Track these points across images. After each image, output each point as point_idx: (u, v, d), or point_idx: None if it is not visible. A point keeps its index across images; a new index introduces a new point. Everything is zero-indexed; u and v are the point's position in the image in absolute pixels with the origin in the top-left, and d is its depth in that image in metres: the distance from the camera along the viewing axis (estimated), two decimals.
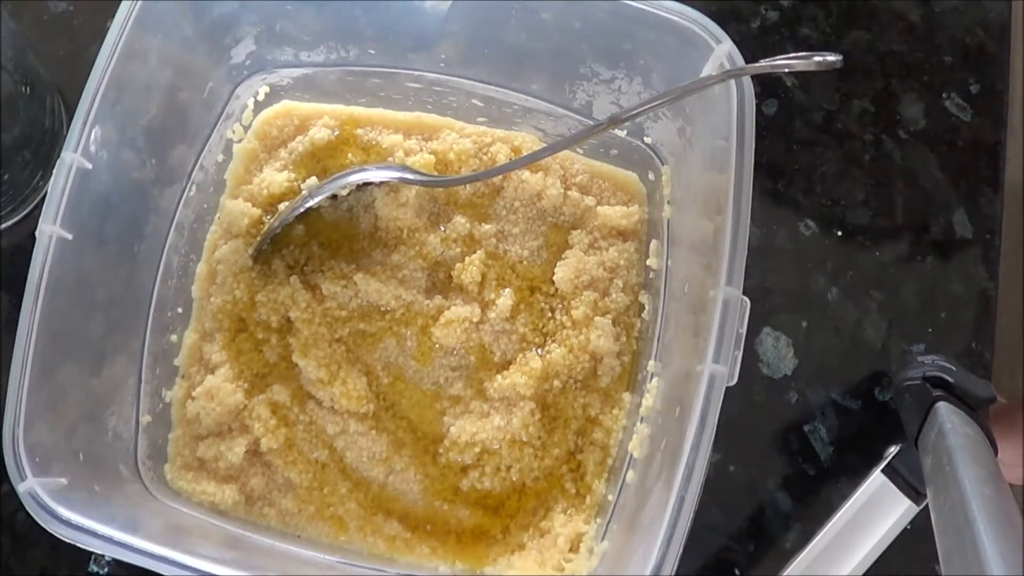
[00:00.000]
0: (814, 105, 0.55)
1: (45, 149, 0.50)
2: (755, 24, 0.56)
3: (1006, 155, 0.55)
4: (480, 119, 0.50)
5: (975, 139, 0.55)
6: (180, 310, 0.48)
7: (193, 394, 0.47)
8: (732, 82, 0.39)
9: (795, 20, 0.57)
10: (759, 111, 0.54)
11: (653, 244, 0.49)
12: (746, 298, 0.37)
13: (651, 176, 0.49)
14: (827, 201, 0.54)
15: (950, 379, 0.46)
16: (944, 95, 0.56)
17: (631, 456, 0.44)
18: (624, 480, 0.44)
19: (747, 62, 0.40)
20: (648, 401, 0.44)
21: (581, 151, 0.50)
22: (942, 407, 0.45)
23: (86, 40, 0.54)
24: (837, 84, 0.56)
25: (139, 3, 0.41)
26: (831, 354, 0.52)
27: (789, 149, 0.55)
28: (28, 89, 0.49)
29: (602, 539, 0.43)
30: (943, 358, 0.48)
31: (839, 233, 0.54)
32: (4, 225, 0.52)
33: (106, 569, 0.48)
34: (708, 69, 0.41)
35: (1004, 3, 0.57)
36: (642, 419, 0.44)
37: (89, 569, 0.48)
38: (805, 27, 0.57)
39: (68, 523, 0.37)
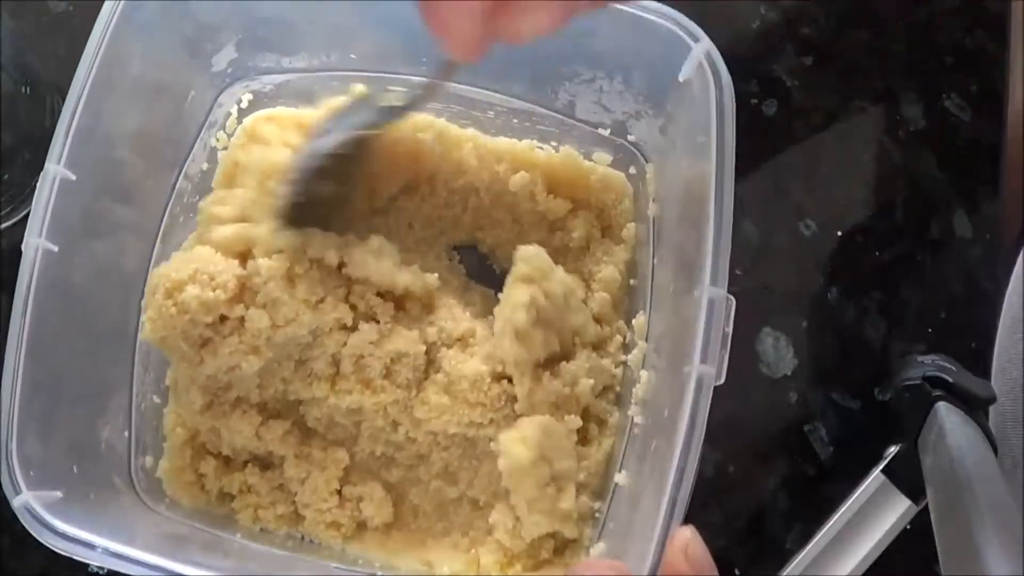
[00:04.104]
0: (814, 105, 0.55)
1: (45, 149, 0.50)
2: (755, 24, 0.56)
3: (1006, 155, 0.55)
4: (463, 121, 0.50)
5: (975, 139, 0.55)
6: None
7: None
8: (711, 79, 0.39)
9: (795, 20, 0.57)
10: (759, 111, 0.55)
11: (638, 242, 0.49)
12: (731, 296, 0.37)
13: (636, 173, 0.49)
14: (827, 201, 0.54)
15: (950, 379, 0.46)
16: (944, 95, 0.56)
17: (623, 457, 0.44)
18: (617, 482, 0.44)
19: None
20: (638, 398, 0.44)
21: (575, 148, 0.50)
22: (942, 407, 0.45)
23: (86, 40, 0.54)
24: (837, 84, 0.56)
25: (117, 14, 0.41)
26: (831, 354, 0.52)
27: (789, 149, 0.55)
28: (28, 89, 0.49)
29: (597, 540, 0.43)
30: (943, 358, 0.48)
31: (839, 233, 0.54)
32: (4, 225, 0.52)
33: (105, 571, 0.48)
34: (687, 67, 0.41)
35: (1004, 3, 0.57)
36: (632, 417, 0.45)
37: (90, 569, 0.48)
38: (805, 27, 0.56)
39: (64, 536, 0.37)
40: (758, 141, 0.54)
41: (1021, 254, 0.50)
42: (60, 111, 0.51)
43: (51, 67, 0.53)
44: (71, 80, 0.41)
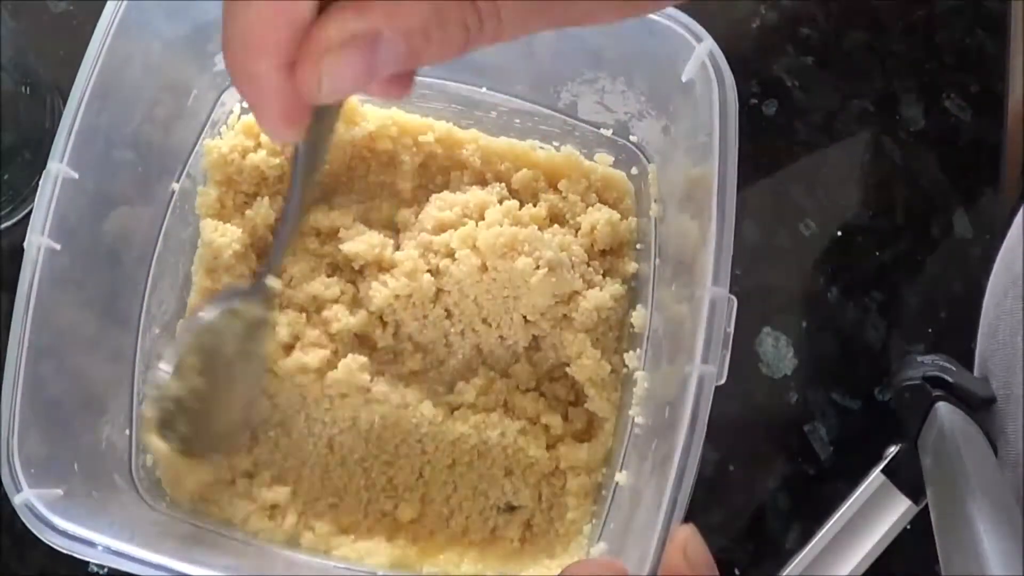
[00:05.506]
0: (814, 105, 0.55)
1: (45, 149, 0.50)
2: (755, 24, 0.56)
3: (1006, 155, 0.55)
4: (465, 122, 0.50)
5: (975, 139, 0.55)
6: (168, 318, 0.48)
7: None
8: (714, 80, 0.39)
9: (795, 20, 0.57)
10: (759, 111, 0.55)
11: (640, 244, 0.49)
12: (733, 296, 0.37)
13: (637, 174, 0.49)
14: (827, 201, 0.54)
15: (950, 379, 0.46)
16: (944, 95, 0.56)
17: (624, 457, 0.44)
18: (617, 482, 0.44)
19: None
20: (638, 397, 0.44)
21: (577, 148, 0.50)
22: (942, 407, 0.45)
23: (86, 40, 0.54)
24: (837, 84, 0.56)
25: (120, 14, 0.41)
26: (831, 354, 0.52)
27: (789, 149, 0.55)
28: (28, 89, 0.49)
29: (598, 540, 0.43)
30: (943, 358, 0.48)
31: (839, 233, 0.54)
32: (4, 225, 0.52)
33: (105, 569, 0.48)
34: (690, 67, 0.41)
35: (1004, 3, 0.57)
36: (633, 417, 0.45)
37: (89, 569, 0.48)
38: (805, 27, 0.56)
39: (65, 533, 0.37)
40: (758, 141, 0.54)
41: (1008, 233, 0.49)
42: (60, 111, 0.52)
43: (51, 67, 0.53)
44: (71, 80, 0.41)
